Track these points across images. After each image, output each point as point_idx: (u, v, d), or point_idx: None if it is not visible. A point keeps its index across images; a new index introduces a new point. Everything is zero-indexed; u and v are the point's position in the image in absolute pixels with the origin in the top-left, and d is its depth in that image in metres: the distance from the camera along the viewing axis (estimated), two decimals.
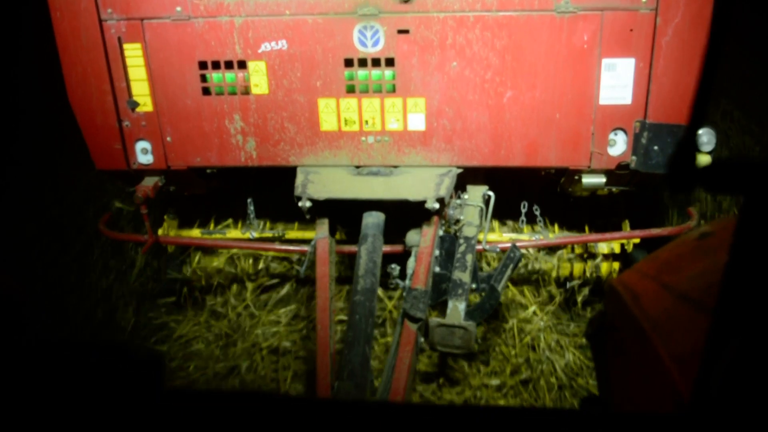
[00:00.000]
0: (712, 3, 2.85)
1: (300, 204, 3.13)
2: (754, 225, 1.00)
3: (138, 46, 3.17)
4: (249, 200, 3.97)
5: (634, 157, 3.11)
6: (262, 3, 3.06)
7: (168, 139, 3.32)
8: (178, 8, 3.10)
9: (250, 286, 4.24)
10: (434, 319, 2.81)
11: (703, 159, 2.89)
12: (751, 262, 1.06)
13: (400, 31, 3.07)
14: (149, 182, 3.46)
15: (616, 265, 3.98)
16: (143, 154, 3.36)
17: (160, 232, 3.94)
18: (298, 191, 3.18)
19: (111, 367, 1.16)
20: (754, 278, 1.05)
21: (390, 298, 4.12)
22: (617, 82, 3.02)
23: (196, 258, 4.23)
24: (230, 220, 4.22)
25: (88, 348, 1.19)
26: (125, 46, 3.17)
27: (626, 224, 3.92)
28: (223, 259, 4.28)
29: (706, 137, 2.90)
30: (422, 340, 2.93)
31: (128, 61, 3.20)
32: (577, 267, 4.02)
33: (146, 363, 1.17)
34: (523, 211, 3.80)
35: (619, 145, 3.14)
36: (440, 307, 3.13)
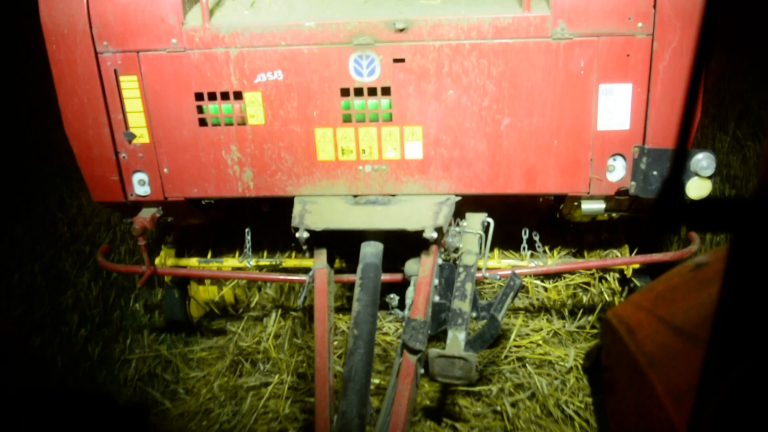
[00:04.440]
0: (713, 28, 2.85)
1: (297, 235, 3.11)
2: (742, 263, 0.97)
3: (134, 78, 3.17)
4: (247, 230, 3.95)
5: (633, 183, 3.09)
6: (258, 34, 3.06)
7: (165, 170, 3.32)
8: (174, 40, 3.10)
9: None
10: (434, 350, 2.78)
11: (703, 184, 2.87)
12: (741, 298, 1.03)
13: (396, 60, 3.06)
14: (147, 214, 3.45)
15: (617, 289, 3.95)
16: (140, 185, 3.35)
17: (157, 261, 3.93)
18: (295, 222, 3.16)
19: (96, 416, 1.14)
20: (745, 315, 1.03)
21: (386, 334, 4.08)
22: (615, 107, 3.01)
23: (194, 289, 4.22)
24: (228, 255, 4.20)
25: (74, 398, 1.18)
26: (121, 78, 3.17)
27: (626, 249, 3.89)
28: (226, 289, 4.27)
29: (705, 162, 2.87)
30: (422, 371, 2.89)
31: (125, 93, 3.20)
32: (579, 293, 3.99)
33: (131, 411, 1.15)
34: (524, 238, 3.78)
35: (618, 171, 3.12)
36: (440, 336, 3.09)
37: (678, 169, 1.00)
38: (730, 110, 6.50)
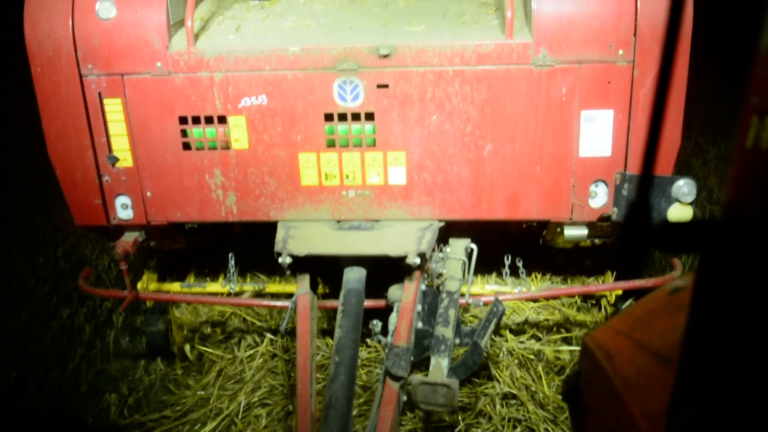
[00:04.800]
0: (688, 55, 2.89)
1: (280, 260, 3.10)
2: (709, 284, 0.97)
3: (118, 101, 3.17)
4: (230, 255, 3.94)
5: (615, 209, 3.10)
6: (242, 58, 3.07)
7: (148, 194, 3.31)
8: (159, 64, 3.11)
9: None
10: (416, 377, 2.76)
11: (684, 210, 2.88)
12: (709, 318, 1.03)
13: (380, 86, 3.07)
14: (129, 237, 3.43)
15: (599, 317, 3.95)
16: (123, 209, 3.34)
17: (139, 286, 3.90)
18: (278, 247, 3.15)
19: None
20: (713, 335, 1.03)
21: (371, 361, 4.06)
22: (597, 134, 3.03)
23: (176, 314, 4.19)
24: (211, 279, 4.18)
25: (44, 420, 1.16)
26: (106, 101, 3.17)
27: (609, 276, 3.89)
28: (209, 313, 4.24)
29: (686, 188, 2.89)
30: (404, 398, 2.87)
31: (108, 116, 3.20)
32: (560, 319, 3.98)
33: None
34: (507, 263, 3.78)
35: (600, 197, 3.13)
36: (423, 363, 3.07)
37: (645, 189, 1.00)
38: (693, 119, 6.71)
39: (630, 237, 0.99)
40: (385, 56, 3.02)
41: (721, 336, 1.00)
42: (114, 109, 3.18)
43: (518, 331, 4.08)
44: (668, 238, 0.99)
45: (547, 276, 4.11)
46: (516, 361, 3.89)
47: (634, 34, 2.89)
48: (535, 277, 4.08)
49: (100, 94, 3.16)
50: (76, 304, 4.60)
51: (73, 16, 3.08)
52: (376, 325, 3.14)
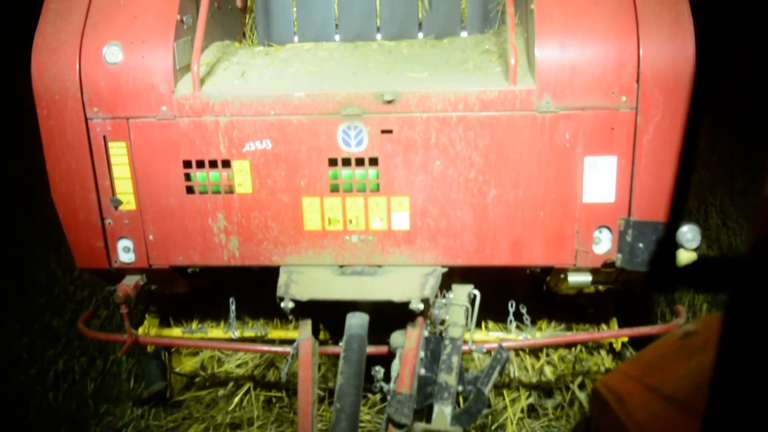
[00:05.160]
0: (691, 101, 2.90)
1: (282, 305, 3.08)
2: (738, 322, 0.96)
3: (123, 144, 3.18)
4: (231, 299, 3.91)
5: (619, 255, 3.09)
6: (247, 103, 3.09)
7: (150, 237, 3.30)
8: (164, 108, 3.12)
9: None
10: (419, 425, 2.72)
11: (688, 256, 2.87)
12: (739, 362, 1.02)
13: (384, 131, 3.09)
14: (130, 281, 3.42)
15: (605, 365, 3.91)
16: (125, 252, 3.33)
17: (140, 330, 3.87)
18: (280, 292, 3.13)
19: None
20: (742, 379, 1.01)
21: (373, 406, 4.01)
22: (600, 180, 3.03)
23: (175, 360, 4.15)
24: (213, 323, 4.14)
25: None
26: (110, 144, 3.18)
27: (614, 322, 3.87)
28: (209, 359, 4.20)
29: (690, 234, 2.88)
30: None
31: (113, 160, 3.20)
32: (567, 367, 3.94)
33: None
34: (511, 310, 3.75)
35: (604, 243, 3.12)
36: (426, 410, 3.03)
37: (673, 227, 1.00)
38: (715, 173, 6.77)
39: (659, 276, 0.98)
40: (389, 102, 3.04)
41: (753, 375, 0.98)
42: (118, 152, 3.19)
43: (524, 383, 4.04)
44: (698, 277, 0.98)
45: (552, 323, 4.07)
46: (521, 409, 3.85)
47: (637, 81, 2.91)
48: (540, 324, 4.05)
49: (105, 137, 3.17)
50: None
51: (81, 60, 3.11)
52: (379, 371, 3.11)
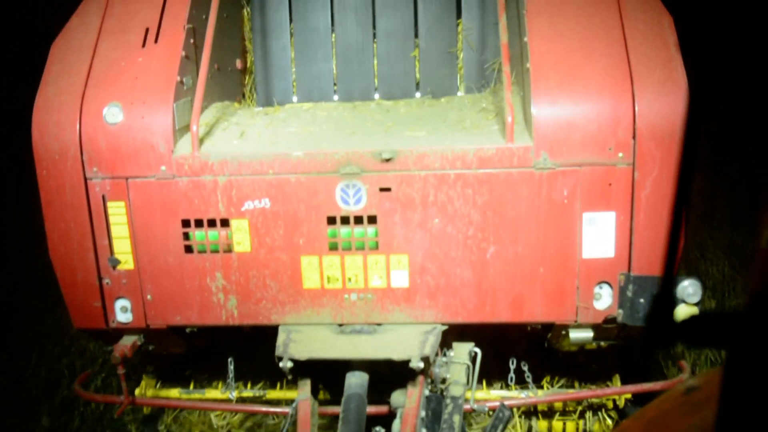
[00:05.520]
0: (689, 156, 2.92)
1: (281, 365, 3.05)
2: (738, 378, 0.94)
3: (122, 204, 3.19)
4: (230, 359, 3.87)
5: (620, 311, 3.07)
6: (246, 162, 3.11)
7: (148, 297, 3.28)
8: (163, 167, 3.14)
9: None
10: None
11: (689, 311, 2.85)
12: (740, 417, 1.00)
13: (382, 189, 3.10)
14: (128, 341, 3.39)
15: (609, 421, 3.85)
16: (122, 312, 3.30)
17: (137, 391, 3.82)
18: (279, 351, 3.10)
19: None
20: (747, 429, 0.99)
21: None
22: (599, 235, 3.03)
23: (170, 418, 4.08)
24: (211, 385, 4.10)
25: None
26: (109, 204, 3.19)
27: (617, 379, 3.82)
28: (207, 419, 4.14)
29: (691, 288, 2.87)
30: None
31: (111, 219, 3.21)
32: (570, 425, 3.88)
33: None
34: (512, 367, 3.72)
35: (604, 299, 3.11)
36: None
37: (668, 284, 1.00)
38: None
39: (657, 333, 0.97)
40: (388, 160, 3.05)
41: (754, 430, 0.96)
42: (117, 211, 3.20)
43: None
44: (696, 333, 0.97)
45: (554, 380, 4.03)
46: None
47: (633, 137, 2.93)
48: (542, 381, 4.00)
49: (104, 196, 3.18)
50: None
51: (81, 120, 3.14)
52: (380, 431, 3.06)
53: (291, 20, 4.25)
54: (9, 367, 4.90)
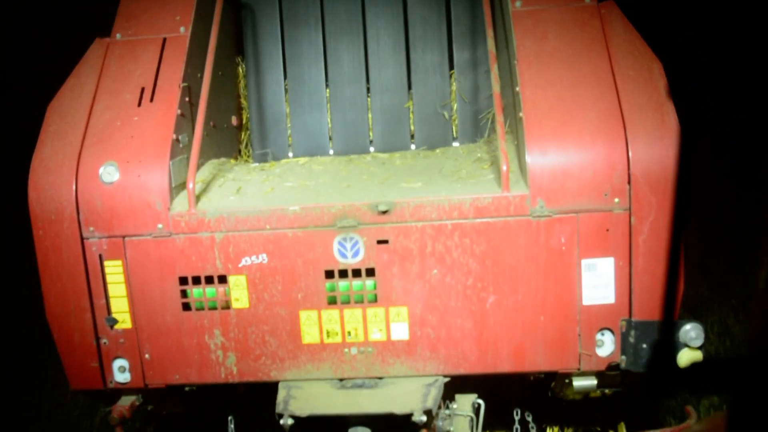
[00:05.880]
0: (685, 199, 2.94)
1: (282, 422, 3.01)
2: (743, 422, 0.93)
3: (119, 263, 3.18)
4: (230, 418, 3.82)
5: (623, 357, 3.04)
6: (243, 218, 3.11)
7: (146, 356, 3.25)
8: (160, 225, 3.14)
9: None
10: None
11: (693, 355, 2.82)
12: None
13: (380, 242, 3.09)
14: (126, 402, 3.34)
15: None
16: (120, 372, 3.27)
17: None
18: (279, 408, 3.06)
19: None
20: None
21: None
22: (599, 281, 3.02)
23: None
24: None
25: None
26: (106, 263, 3.18)
27: (622, 427, 3.77)
28: None
29: (694, 332, 2.84)
30: None
31: (108, 278, 3.19)
32: None
33: None
34: (516, 418, 3.67)
35: (607, 346, 3.08)
36: None
37: (670, 328, 0.98)
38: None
39: (660, 381, 0.95)
40: (384, 212, 3.05)
41: None
42: (114, 270, 3.18)
43: None
44: (697, 380, 0.95)
45: (559, 429, 3.97)
46: None
47: (629, 182, 2.94)
48: (547, 431, 3.95)
49: (100, 256, 3.17)
50: None
51: (77, 180, 3.15)
52: None
53: (285, 77, 4.30)
54: None
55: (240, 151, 4.28)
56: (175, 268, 3.17)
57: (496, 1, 3.85)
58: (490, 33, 3.48)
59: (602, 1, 3.41)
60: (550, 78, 3.17)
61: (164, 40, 3.55)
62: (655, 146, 2.95)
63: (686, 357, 2.85)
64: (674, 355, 2.87)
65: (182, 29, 3.57)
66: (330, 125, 4.25)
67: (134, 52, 3.54)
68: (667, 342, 2.86)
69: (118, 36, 3.61)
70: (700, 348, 2.87)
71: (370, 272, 3.12)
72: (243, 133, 4.33)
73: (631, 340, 3.00)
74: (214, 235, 3.13)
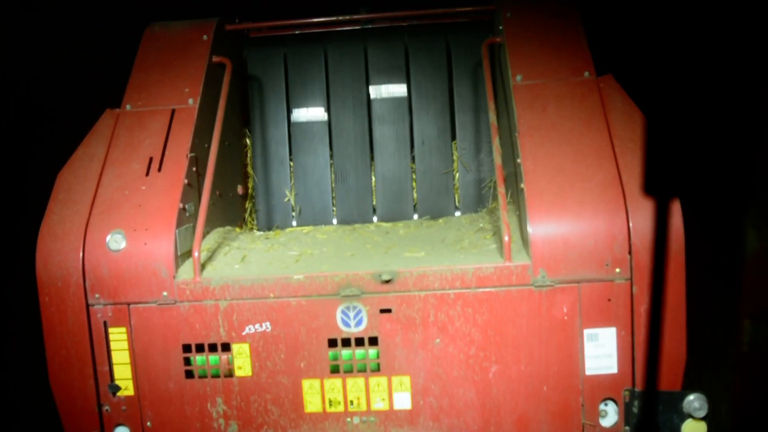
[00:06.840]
0: (684, 267, 2.96)
1: None
2: None
3: (123, 330, 3.19)
4: None
5: (627, 428, 3.02)
6: (247, 286, 3.13)
7: (148, 423, 3.23)
8: (165, 293, 3.16)
9: None
10: None
11: (697, 426, 2.81)
12: None
13: (383, 311, 3.11)
14: None
15: None
16: None
17: None
18: None
19: None
20: None
21: None
22: (601, 351, 3.02)
23: None
24: None
25: None
26: (111, 330, 3.19)
27: None
28: None
29: (697, 403, 2.84)
30: None
31: (113, 345, 3.20)
32: None
33: None
34: None
35: (610, 416, 3.06)
36: None
37: (674, 398, 1.01)
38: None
39: None
40: (387, 282, 3.08)
41: None
42: (118, 337, 3.19)
43: None
44: None
45: None
46: None
47: (629, 252, 2.98)
48: None
49: (105, 323, 3.19)
50: None
51: (85, 247, 3.19)
52: None
53: (290, 148, 4.39)
54: None
55: (245, 219, 4.33)
56: (179, 335, 3.18)
57: (497, 75, 3.96)
58: (491, 105, 3.56)
59: (600, 76, 3.50)
60: (551, 150, 3.24)
61: (173, 111, 3.64)
62: (655, 216, 2.99)
63: (690, 428, 2.84)
64: (678, 425, 2.86)
65: (191, 101, 3.66)
66: (334, 195, 4.32)
67: (143, 122, 3.62)
68: (671, 413, 2.85)
69: (128, 107, 3.70)
70: (704, 419, 2.86)
71: (373, 341, 3.13)
72: (248, 202, 4.40)
73: (635, 410, 2.99)
74: (218, 303, 3.15)
